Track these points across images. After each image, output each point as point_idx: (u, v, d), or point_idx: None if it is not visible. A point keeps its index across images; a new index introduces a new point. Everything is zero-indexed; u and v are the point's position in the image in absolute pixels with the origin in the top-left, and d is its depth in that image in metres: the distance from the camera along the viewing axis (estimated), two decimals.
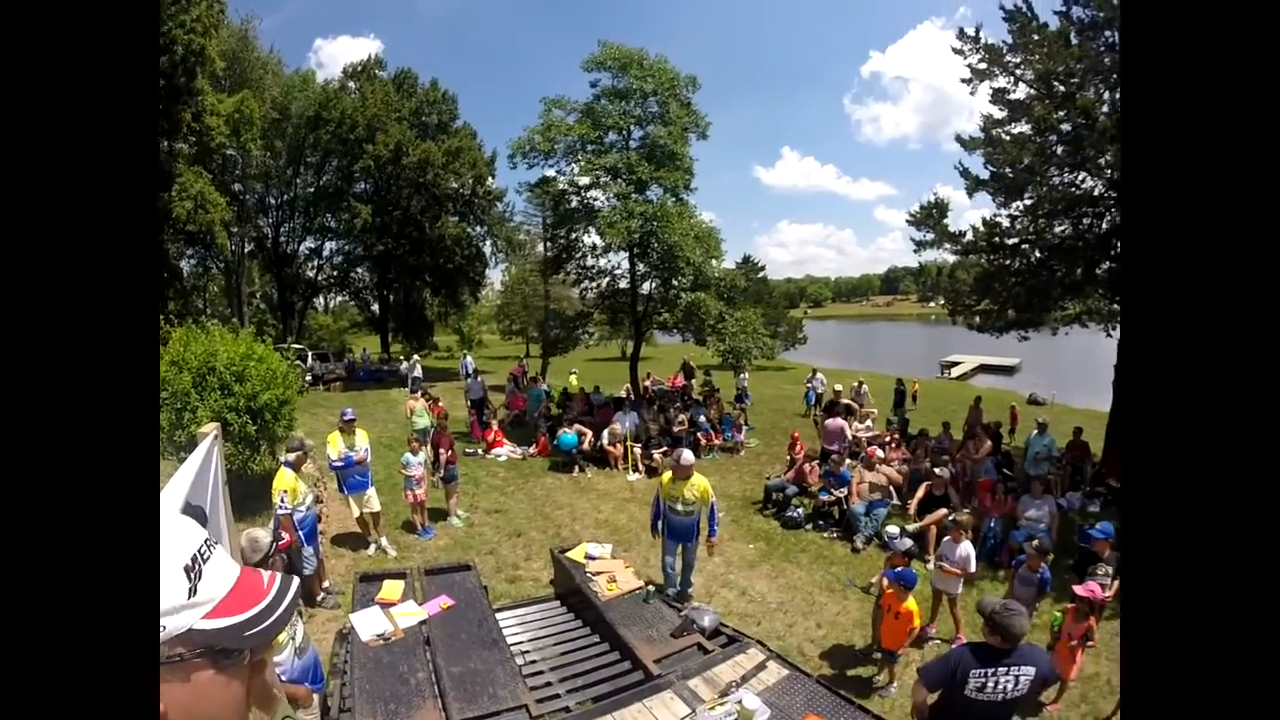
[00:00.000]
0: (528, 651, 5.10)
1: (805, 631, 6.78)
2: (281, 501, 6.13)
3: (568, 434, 12.73)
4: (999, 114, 12.42)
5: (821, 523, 9.70)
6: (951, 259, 14.06)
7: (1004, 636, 3.40)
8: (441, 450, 9.45)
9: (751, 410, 18.54)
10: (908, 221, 13.52)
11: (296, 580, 0.94)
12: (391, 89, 29.89)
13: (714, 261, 17.89)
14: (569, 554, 6.49)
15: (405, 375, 22.30)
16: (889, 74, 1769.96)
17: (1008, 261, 12.75)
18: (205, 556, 0.86)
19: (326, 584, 7.04)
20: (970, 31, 12.28)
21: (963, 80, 12.55)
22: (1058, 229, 12.32)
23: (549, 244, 21.39)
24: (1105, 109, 10.75)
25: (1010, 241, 12.57)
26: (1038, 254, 12.49)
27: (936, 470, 9.38)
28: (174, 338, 9.11)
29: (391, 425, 15.62)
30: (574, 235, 18.88)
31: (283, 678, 3.31)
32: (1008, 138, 12.10)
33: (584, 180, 17.78)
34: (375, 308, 35.22)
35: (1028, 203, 12.31)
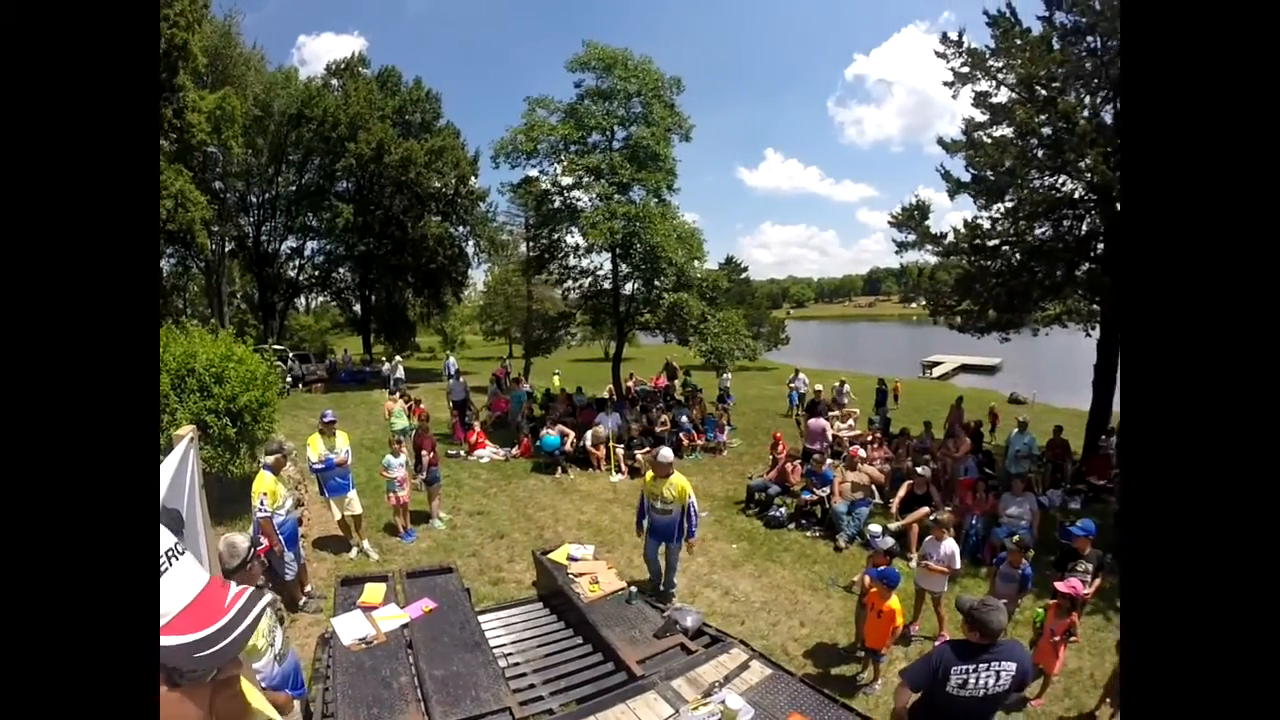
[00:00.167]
0: (511, 654, 5.08)
1: (789, 630, 6.80)
2: (261, 504, 6.06)
3: (550, 435, 12.70)
4: (981, 117, 12.53)
5: (804, 522, 9.74)
6: (933, 260, 14.18)
7: (983, 632, 3.42)
8: (424, 452, 9.40)
9: (734, 410, 18.59)
10: (889, 223, 13.59)
11: (265, 598, 0.91)
12: (375, 87, 29.66)
13: (696, 262, 17.95)
14: (551, 555, 6.48)
15: (387, 376, 22.16)
16: (872, 77, 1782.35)
17: (988, 263, 12.86)
18: (163, 567, 0.83)
19: (308, 588, 6.96)
20: (953, 36, 12.40)
21: (945, 84, 12.67)
22: (1038, 231, 12.45)
23: (531, 244, 21.35)
24: (1086, 113, 10.89)
25: (991, 243, 12.67)
26: (1018, 255, 12.59)
27: (918, 469, 9.45)
28: None
29: (373, 427, 15.51)
30: (556, 235, 18.89)
31: (263, 684, 3.27)
32: (989, 140, 12.20)
33: (567, 180, 17.80)
34: (357, 308, 34.98)
35: (1009, 205, 12.40)
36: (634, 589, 5.71)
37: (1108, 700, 5.39)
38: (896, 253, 13.88)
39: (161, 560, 0.84)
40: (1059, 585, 5.60)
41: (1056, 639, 5.46)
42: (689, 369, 22.99)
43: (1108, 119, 11.24)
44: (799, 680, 4.15)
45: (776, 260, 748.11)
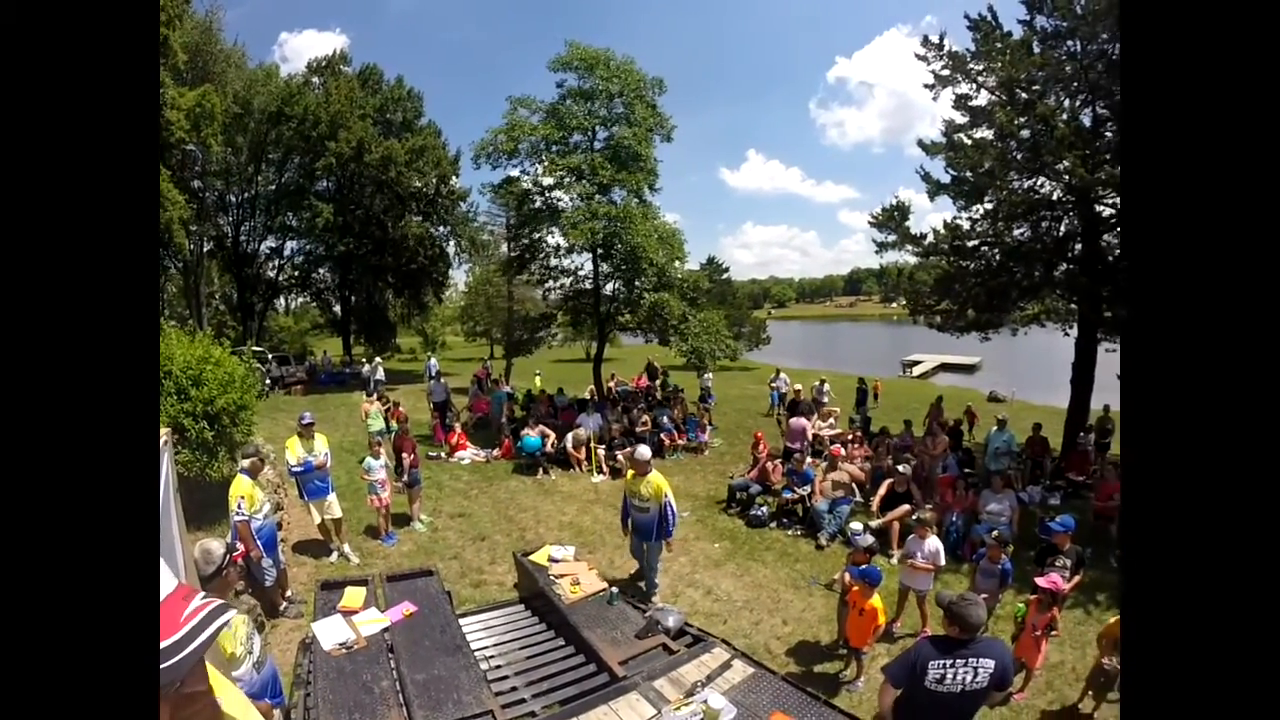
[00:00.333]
0: (492, 656, 5.07)
1: (771, 629, 6.82)
2: (239, 508, 5.98)
3: (531, 436, 12.67)
4: (961, 119, 12.66)
5: (785, 521, 9.78)
6: (913, 260, 14.29)
7: (962, 626, 3.45)
8: (404, 454, 9.34)
9: (716, 410, 18.63)
10: (870, 223, 13.67)
11: (227, 615, 0.89)
12: (356, 85, 29.41)
13: (677, 262, 17.93)
14: (532, 557, 6.46)
15: (367, 378, 21.98)
16: (854, 79, 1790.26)
17: (968, 263, 12.98)
18: None
19: (289, 593, 6.88)
20: (934, 39, 12.50)
21: (926, 86, 12.77)
22: (1017, 232, 12.58)
23: (512, 244, 21.27)
24: (1065, 117, 11.02)
25: (970, 244, 12.80)
26: (997, 256, 12.72)
27: (899, 467, 9.53)
28: None
29: (353, 429, 15.38)
30: (537, 236, 18.81)
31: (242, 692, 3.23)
32: (969, 142, 12.31)
33: (548, 180, 17.72)
34: (337, 309, 34.67)
35: (988, 206, 12.53)
36: (615, 590, 5.71)
37: (1090, 693, 5.47)
38: (877, 253, 13.97)
39: None
40: (1039, 581, 5.66)
41: (1038, 633, 5.52)
42: (667, 369, 22.98)
43: (1086, 122, 11.40)
44: (781, 679, 4.17)
45: (758, 260, 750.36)
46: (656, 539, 6.92)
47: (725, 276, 55.17)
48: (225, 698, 2.31)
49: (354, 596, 5.16)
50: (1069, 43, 11.42)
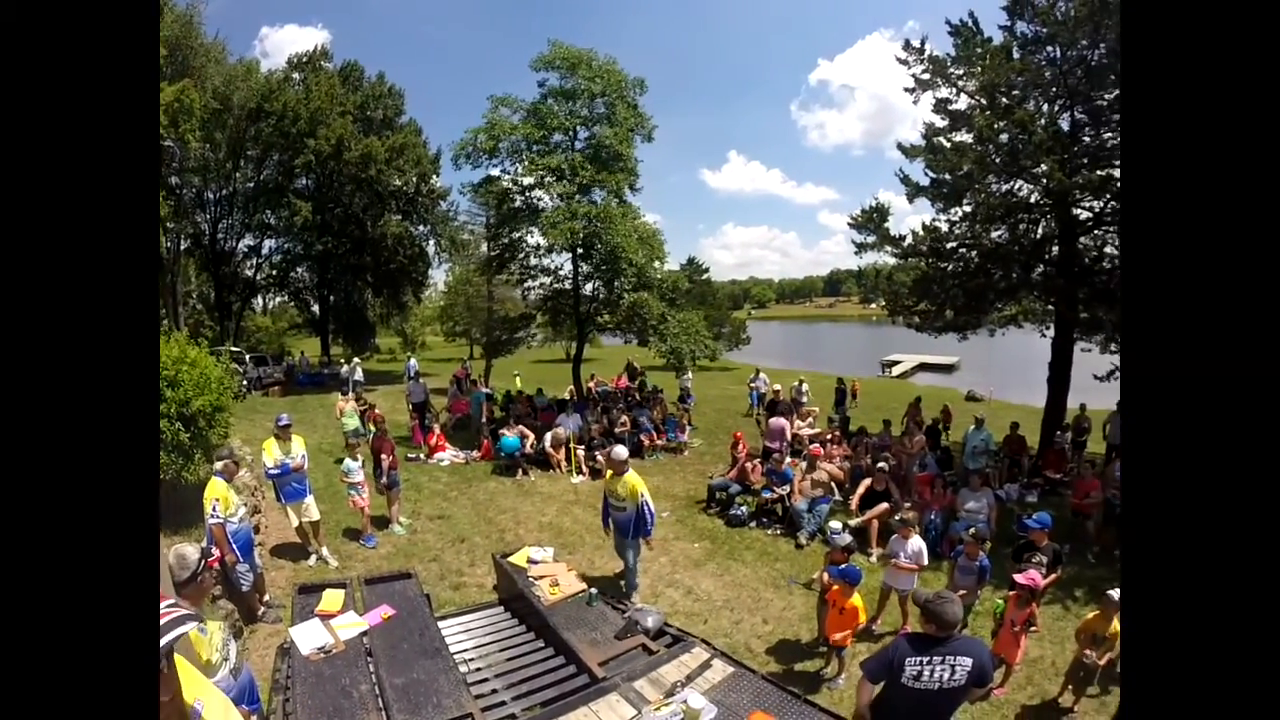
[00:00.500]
0: (472, 659, 5.03)
1: (752, 628, 6.85)
2: (214, 511, 5.90)
3: (509, 436, 12.62)
4: (940, 123, 12.77)
5: (765, 520, 9.83)
6: (892, 262, 14.40)
7: (939, 624, 3.47)
8: (383, 456, 9.26)
9: (695, 410, 18.63)
10: (849, 225, 13.73)
11: (185, 627, 0.88)
12: (337, 82, 29.01)
13: (657, 263, 17.97)
14: (511, 559, 6.42)
15: (346, 379, 21.76)
16: (836, 82, 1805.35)
17: (946, 265, 13.10)
18: None
19: (266, 598, 6.79)
20: (916, 43, 12.60)
21: (906, 90, 12.85)
22: (995, 234, 12.72)
23: (492, 244, 21.16)
24: (1043, 122, 11.16)
25: (949, 245, 12.91)
26: (975, 258, 12.86)
27: (878, 466, 9.61)
28: None
29: (331, 431, 15.23)
30: (517, 235, 18.74)
31: None
32: (948, 145, 12.43)
33: (528, 180, 17.67)
34: (315, 309, 34.26)
35: (966, 209, 12.65)
36: (594, 591, 5.69)
37: (1069, 687, 5.56)
38: (856, 254, 14.04)
39: None
40: (1018, 577, 5.74)
41: (1017, 629, 5.59)
42: (643, 370, 22.96)
43: (1065, 126, 11.56)
44: (761, 678, 4.19)
45: (738, 261, 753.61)
46: (634, 537, 7.00)
47: (705, 277, 55.21)
48: (207, 701, 2.29)
49: (332, 600, 5.11)
50: (1048, 48, 11.58)
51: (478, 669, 4.86)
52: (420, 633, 4.80)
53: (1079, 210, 11.82)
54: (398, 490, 9.42)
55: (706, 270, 57.47)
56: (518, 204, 18.12)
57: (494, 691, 4.42)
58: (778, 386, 18.79)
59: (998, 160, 11.73)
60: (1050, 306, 12.89)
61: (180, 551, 3.51)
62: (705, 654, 4.37)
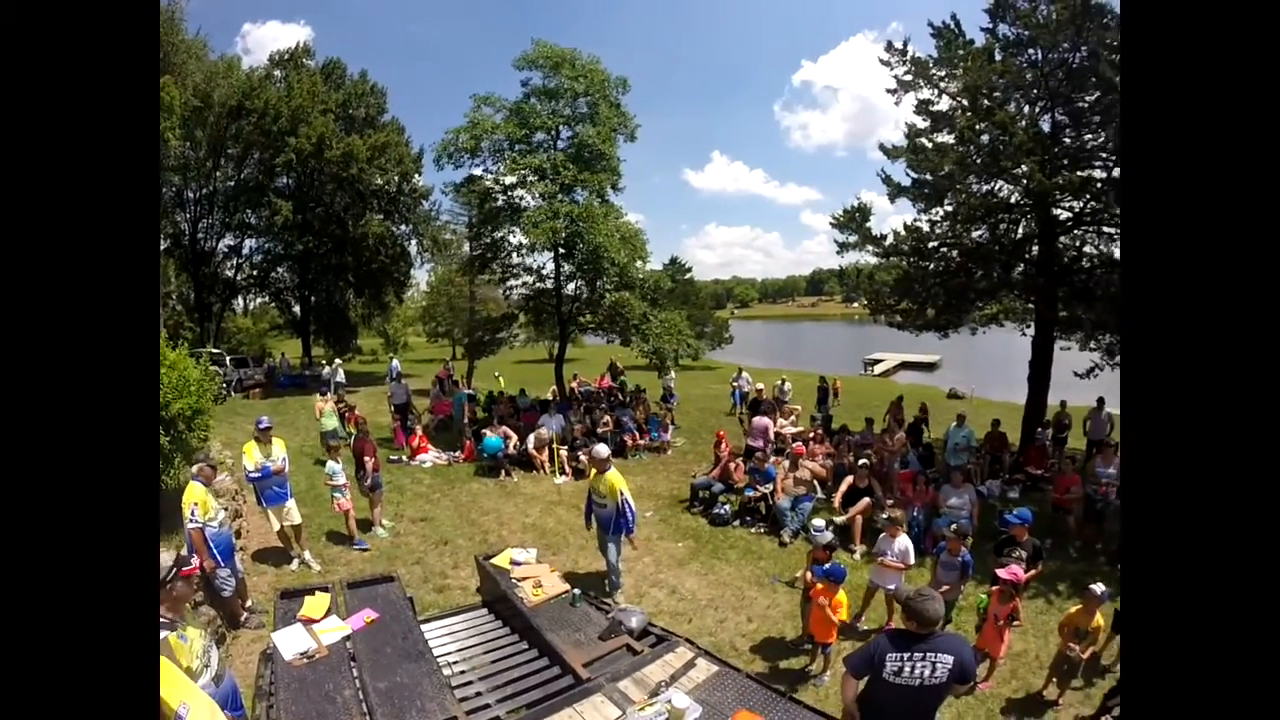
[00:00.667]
0: (456, 662, 5.01)
1: (736, 626, 6.88)
2: (192, 515, 5.84)
3: (492, 436, 12.58)
4: (922, 124, 12.88)
5: (748, 519, 9.87)
6: (874, 261, 14.49)
7: (919, 621, 3.50)
8: (366, 458, 9.20)
9: (678, 410, 18.64)
10: (831, 224, 13.83)
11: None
12: (319, 79, 28.66)
13: (639, 262, 17.95)
14: (494, 560, 6.40)
15: (327, 380, 21.56)
16: (820, 83, 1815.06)
17: (928, 264, 13.21)
18: None
19: (249, 603, 6.72)
20: (899, 45, 12.69)
21: (889, 90, 12.97)
22: (975, 234, 12.86)
23: (474, 244, 21.04)
24: (1024, 123, 11.28)
25: (930, 245, 13.02)
26: (956, 257, 12.98)
27: (860, 463, 9.68)
28: None
29: (313, 433, 15.08)
30: (499, 235, 18.65)
31: None
32: (930, 146, 12.53)
33: (510, 179, 17.60)
34: (296, 309, 33.85)
35: (947, 209, 12.77)
36: (578, 592, 5.69)
37: (1054, 680, 5.63)
38: (838, 254, 14.14)
39: None
40: (1000, 573, 5.82)
41: (1000, 624, 5.66)
42: (624, 369, 22.93)
43: (1045, 128, 11.69)
44: (745, 676, 4.20)
45: (721, 261, 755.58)
46: (614, 533, 7.11)
47: (688, 277, 55.13)
48: (193, 704, 2.26)
49: (314, 605, 5.06)
50: (1030, 51, 11.73)
51: (462, 672, 4.83)
52: (404, 636, 4.77)
53: (1059, 210, 11.98)
54: (380, 492, 9.35)
55: (689, 270, 57.46)
56: (500, 203, 18.02)
57: (478, 694, 4.41)
58: (760, 385, 18.88)
59: (979, 161, 11.85)
60: (1030, 305, 13.05)
61: None
62: (689, 653, 4.38)
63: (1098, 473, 9.03)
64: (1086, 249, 12.42)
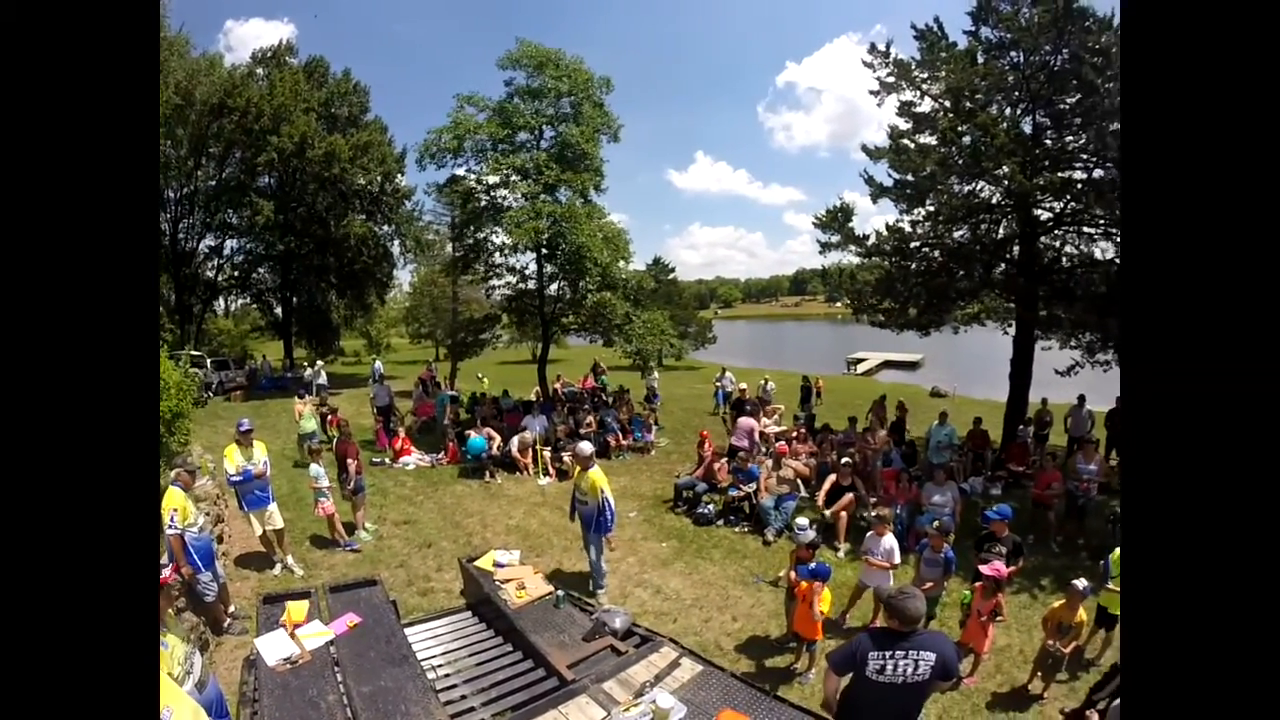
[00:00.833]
0: (440, 665, 5.00)
1: (721, 626, 6.89)
2: (171, 521, 5.77)
3: (476, 437, 12.54)
4: (904, 125, 12.95)
5: (732, 518, 9.89)
6: (856, 261, 14.56)
7: (901, 619, 3.52)
8: (349, 461, 9.13)
9: (662, 410, 18.65)
10: (814, 224, 13.88)
11: None
12: (301, 78, 28.30)
13: (622, 263, 17.95)
14: (477, 563, 6.39)
15: (309, 382, 21.37)
16: (803, 84, 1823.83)
17: (909, 264, 13.29)
18: None
19: (232, 609, 6.65)
20: (881, 47, 12.75)
21: (871, 92, 13.01)
22: (957, 234, 12.95)
23: (456, 244, 20.94)
24: (1005, 125, 11.39)
25: (912, 245, 13.10)
26: (938, 257, 13.07)
27: (842, 461, 9.73)
28: None
29: (295, 436, 15.00)
30: (482, 235, 18.58)
31: None
32: (912, 147, 12.61)
33: (493, 179, 17.54)
34: (278, 311, 33.51)
35: (929, 209, 12.83)
36: (561, 593, 5.69)
37: (1038, 674, 5.69)
38: (821, 254, 14.18)
39: None
40: (983, 569, 5.87)
41: (984, 619, 5.71)
42: (605, 369, 22.90)
43: (1027, 129, 11.81)
44: (730, 675, 4.22)
45: (704, 261, 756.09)
46: (595, 532, 7.17)
47: (671, 277, 55.25)
48: (176, 708, 2.24)
49: (297, 610, 5.03)
50: (1012, 53, 11.83)
51: (446, 675, 4.83)
52: (387, 640, 4.75)
53: (1039, 211, 12.10)
54: (363, 495, 9.29)
55: (673, 270, 57.56)
56: (482, 203, 17.95)
57: (463, 697, 4.40)
58: (744, 385, 18.93)
59: (960, 162, 11.95)
60: (1011, 305, 13.17)
61: None
62: (674, 653, 4.40)
63: (1079, 469, 9.13)
64: (1067, 249, 12.56)
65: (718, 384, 20.52)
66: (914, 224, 13.10)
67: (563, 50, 17.68)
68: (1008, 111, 12.10)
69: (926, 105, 12.66)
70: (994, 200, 12.32)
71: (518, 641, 5.06)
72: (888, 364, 42.59)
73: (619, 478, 11.86)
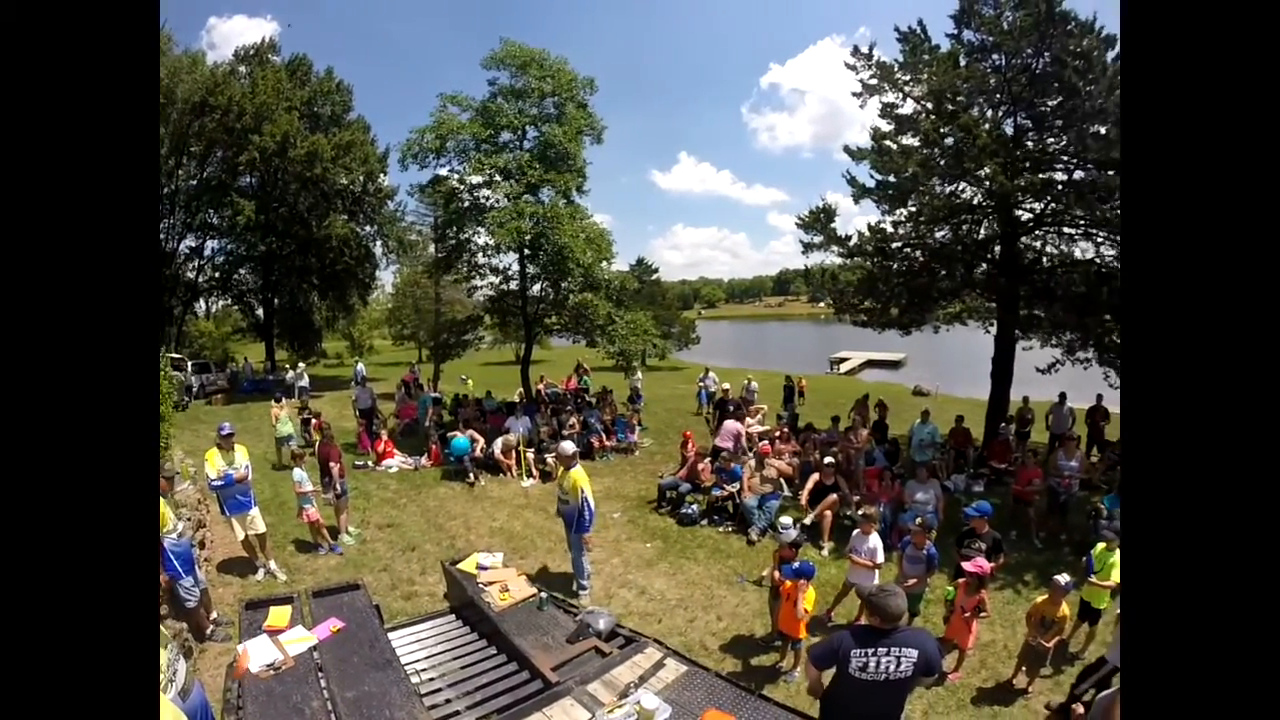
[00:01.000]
0: (424, 669, 4.97)
1: (706, 625, 6.91)
2: None
3: (459, 438, 12.49)
4: (887, 127, 13.04)
5: (716, 518, 9.93)
6: (838, 261, 14.65)
7: (883, 617, 3.55)
8: (332, 464, 9.06)
9: (646, 410, 18.67)
10: (797, 225, 13.95)
11: None
12: (284, 76, 27.96)
13: (605, 263, 17.95)
14: (460, 566, 6.36)
15: (291, 385, 21.16)
16: (787, 85, 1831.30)
17: (891, 264, 13.39)
18: None
19: (214, 615, 6.58)
20: (864, 49, 12.84)
21: (854, 94, 13.09)
22: (938, 235, 13.07)
23: (439, 244, 20.83)
24: (987, 126, 11.50)
25: (894, 245, 13.20)
26: (920, 257, 13.18)
27: (825, 460, 9.79)
28: None
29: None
30: (464, 235, 18.51)
31: None
32: (895, 148, 12.70)
33: (475, 179, 17.48)
34: (260, 312, 33.15)
35: (911, 209, 12.94)
36: (545, 595, 5.68)
37: (1023, 669, 5.76)
38: (804, 254, 14.25)
39: None
40: (966, 565, 5.93)
41: (967, 615, 5.78)
42: (588, 370, 22.87)
43: (1008, 131, 11.93)
44: (715, 675, 4.24)
45: (688, 262, 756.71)
46: (576, 532, 7.24)
47: (655, 277, 55.22)
48: (162, 717, 2.23)
49: (280, 615, 4.99)
50: (994, 56, 11.96)
51: (430, 679, 4.80)
52: (370, 645, 4.73)
53: (1020, 212, 12.24)
54: (346, 499, 9.22)
55: (656, 271, 57.53)
56: (465, 204, 17.88)
57: (447, 701, 4.38)
58: (727, 385, 18.98)
59: (942, 163, 12.06)
60: (992, 304, 13.30)
61: None
62: (658, 654, 4.40)
63: (1060, 465, 9.24)
64: (1047, 249, 12.70)
65: (701, 384, 20.56)
66: (896, 224, 13.21)
67: (547, 51, 17.70)
68: (989, 113, 12.23)
69: (909, 107, 12.78)
70: (975, 201, 12.44)
71: (502, 644, 5.05)
72: (870, 363, 42.83)
73: (603, 478, 11.85)
